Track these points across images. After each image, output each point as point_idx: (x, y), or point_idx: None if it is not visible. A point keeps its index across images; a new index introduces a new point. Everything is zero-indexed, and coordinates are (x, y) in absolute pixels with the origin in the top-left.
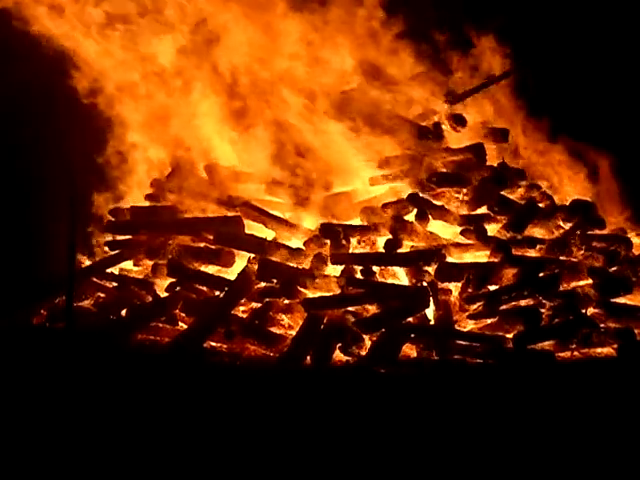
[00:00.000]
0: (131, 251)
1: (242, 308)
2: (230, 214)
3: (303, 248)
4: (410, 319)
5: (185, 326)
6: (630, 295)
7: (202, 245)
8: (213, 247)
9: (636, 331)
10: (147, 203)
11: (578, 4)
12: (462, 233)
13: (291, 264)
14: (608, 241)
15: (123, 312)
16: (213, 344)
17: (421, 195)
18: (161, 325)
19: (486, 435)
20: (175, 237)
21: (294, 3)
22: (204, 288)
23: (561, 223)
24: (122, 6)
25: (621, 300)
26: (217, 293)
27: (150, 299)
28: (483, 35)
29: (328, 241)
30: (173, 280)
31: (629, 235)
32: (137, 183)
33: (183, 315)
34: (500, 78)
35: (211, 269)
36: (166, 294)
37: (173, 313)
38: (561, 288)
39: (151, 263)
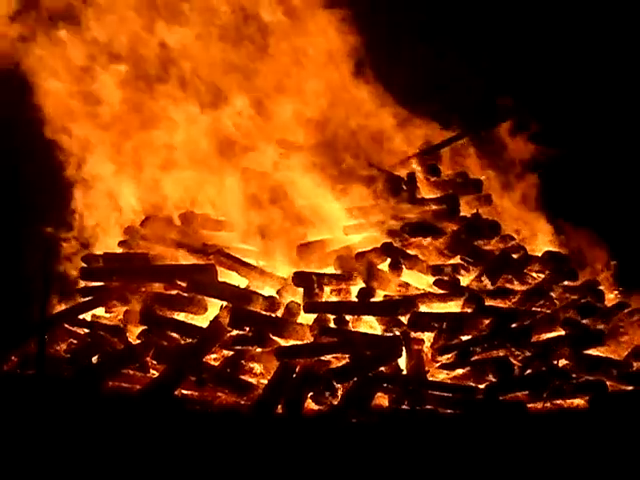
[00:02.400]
0: (103, 298)
1: (214, 356)
2: (203, 262)
3: (276, 296)
4: (382, 368)
5: (157, 373)
6: (602, 347)
7: (175, 292)
8: (186, 295)
9: (608, 383)
10: (120, 250)
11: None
12: (435, 283)
13: (264, 312)
14: (580, 293)
15: (94, 359)
16: (184, 392)
17: (395, 244)
18: (132, 372)
19: None
20: (148, 284)
21: (266, 51)
22: (176, 336)
23: (534, 274)
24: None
25: (593, 352)
26: (189, 341)
27: (122, 346)
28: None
29: (301, 289)
30: (145, 327)
31: (601, 287)
32: (111, 230)
33: (155, 362)
34: (473, 132)
35: (183, 317)
36: (138, 341)
37: (145, 360)
38: (533, 339)
39: (123, 310)
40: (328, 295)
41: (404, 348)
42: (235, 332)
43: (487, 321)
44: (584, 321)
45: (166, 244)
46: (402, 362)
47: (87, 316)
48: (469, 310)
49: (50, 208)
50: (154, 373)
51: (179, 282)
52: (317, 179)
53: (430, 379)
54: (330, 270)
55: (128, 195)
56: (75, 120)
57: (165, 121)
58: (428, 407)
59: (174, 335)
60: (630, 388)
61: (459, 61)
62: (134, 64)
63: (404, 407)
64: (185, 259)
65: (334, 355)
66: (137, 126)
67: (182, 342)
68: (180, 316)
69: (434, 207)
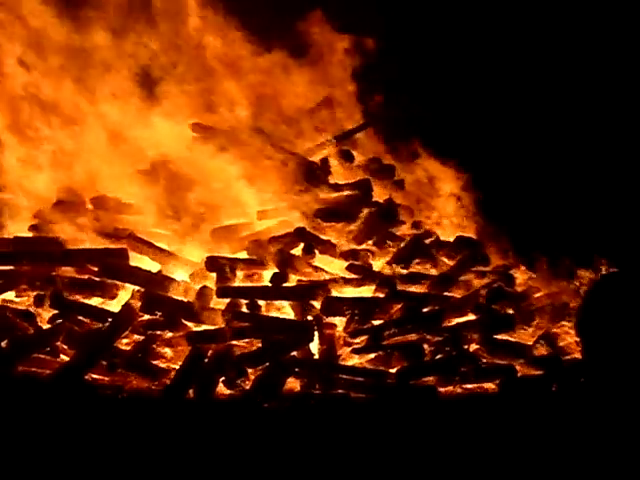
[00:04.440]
0: (13, 282)
1: (125, 341)
2: (115, 246)
3: (188, 281)
4: (294, 353)
5: (67, 358)
6: (512, 332)
7: (86, 277)
8: (97, 279)
9: (517, 367)
10: (31, 234)
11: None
12: (348, 268)
13: (176, 297)
14: (491, 277)
15: (4, 343)
16: (95, 376)
17: (308, 229)
18: (43, 357)
19: (367, 469)
20: (59, 269)
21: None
22: (87, 320)
23: (445, 259)
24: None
25: (503, 337)
26: (100, 325)
27: (32, 330)
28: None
29: (214, 274)
30: (56, 312)
31: (512, 272)
32: (21, 213)
33: (65, 347)
34: (385, 117)
35: (95, 301)
36: (48, 326)
37: (55, 345)
38: (444, 324)
39: (34, 294)
40: (241, 280)
41: (316, 333)
42: (147, 317)
43: (399, 306)
44: (494, 306)
45: (78, 228)
46: (314, 347)
47: None
48: (381, 295)
49: None
50: (64, 358)
51: (90, 266)
52: (230, 163)
53: (342, 364)
54: (243, 255)
55: (39, 179)
56: None
57: (74, 106)
58: (340, 391)
59: (85, 320)
60: (539, 372)
61: (377, 42)
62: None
63: (316, 392)
64: (97, 243)
65: (246, 340)
66: (44, 110)
67: (93, 327)
68: (91, 301)
69: (347, 192)
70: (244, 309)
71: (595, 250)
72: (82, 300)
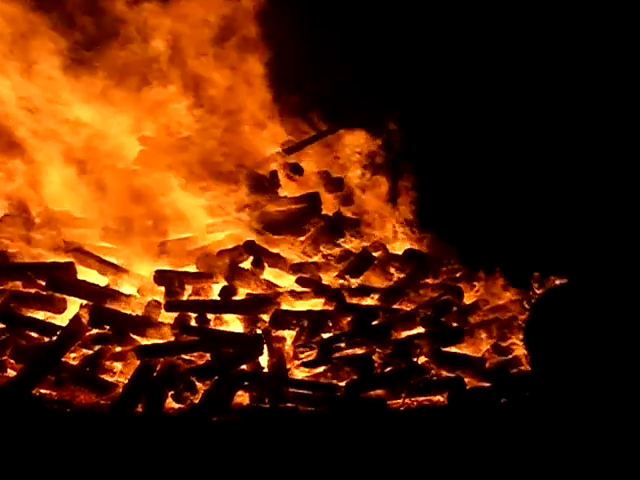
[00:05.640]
0: None
1: (73, 355)
2: (62, 260)
3: (137, 295)
4: (244, 367)
5: (14, 373)
6: (461, 344)
7: (33, 291)
8: (44, 293)
9: (466, 380)
10: None
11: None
12: (297, 281)
13: (124, 311)
14: (440, 290)
15: None
16: (43, 391)
17: (257, 242)
18: None
19: None
20: (5, 282)
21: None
22: (35, 334)
23: (394, 272)
24: None
25: (452, 349)
26: (48, 340)
27: None
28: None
29: (162, 288)
30: (3, 326)
31: (461, 285)
32: None
33: (13, 361)
34: (333, 130)
35: (42, 315)
36: None
37: (2, 359)
38: (393, 337)
39: None
40: (190, 293)
41: (265, 346)
42: (95, 331)
43: (348, 319)
44: (443, 319)
45: (24, 242)
46: (263, 360)
47: None
48: (331, 308)
49: None
50: (12, 372)
51: (38, 280)
52: (179, 176)
53: (291, 377)
54: (192, 268)
55: None
56: None
57: (28, 118)
58: (289, 405)
59: (33, 334)
60: (488, 385)
61: (328, 53)
62: None
63: (265, 405)
64: (44, 257)
65: (195, 354)
66: None
67: (41, 341)
68: (39, 315)
69: (296, 205)
70: (193, 323)
71: (543, 263)
72: (29, 314)
